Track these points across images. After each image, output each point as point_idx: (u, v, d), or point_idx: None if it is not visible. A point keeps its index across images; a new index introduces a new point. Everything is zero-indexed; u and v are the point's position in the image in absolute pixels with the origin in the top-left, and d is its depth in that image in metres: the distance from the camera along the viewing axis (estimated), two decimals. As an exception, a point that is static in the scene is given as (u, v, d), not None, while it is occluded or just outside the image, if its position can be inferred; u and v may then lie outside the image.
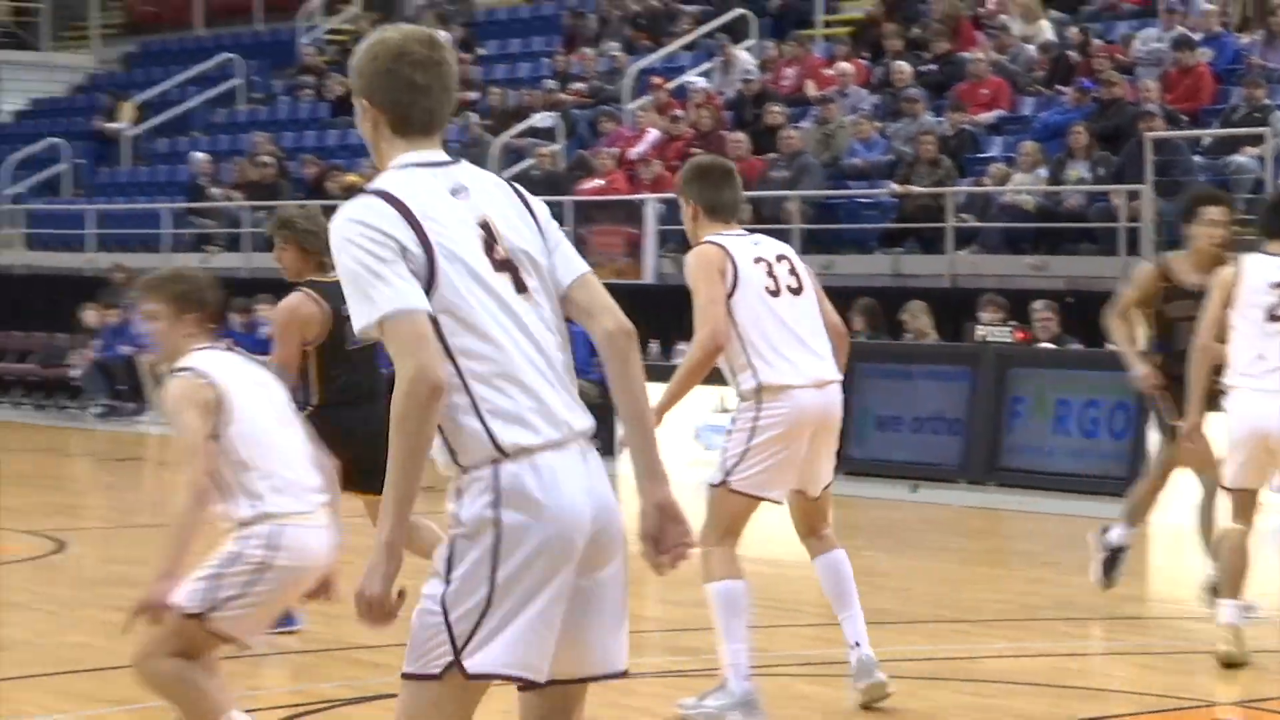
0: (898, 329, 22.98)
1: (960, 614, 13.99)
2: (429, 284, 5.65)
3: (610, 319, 5.90)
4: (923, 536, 18.65)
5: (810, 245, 24.22)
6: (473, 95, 32.52)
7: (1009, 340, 22.39)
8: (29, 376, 32.22)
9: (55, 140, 36.79)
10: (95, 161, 36.93)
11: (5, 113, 40.90)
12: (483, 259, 5.71)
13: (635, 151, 28.71)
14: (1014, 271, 23.77)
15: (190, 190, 33.01)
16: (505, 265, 5.75)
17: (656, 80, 30.14)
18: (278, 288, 13.57)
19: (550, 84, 31.92)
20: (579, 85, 31.68)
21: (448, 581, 5.67)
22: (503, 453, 5.64)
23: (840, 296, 23.28)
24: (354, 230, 5.67)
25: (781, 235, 26.03)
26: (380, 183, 5.76)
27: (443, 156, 5.83)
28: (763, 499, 9.94)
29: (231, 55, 37.59)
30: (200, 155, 33.70)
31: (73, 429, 29.57)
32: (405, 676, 5.78)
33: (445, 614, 5.63)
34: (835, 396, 10.45)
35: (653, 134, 28.86)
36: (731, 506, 9.80)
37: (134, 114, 36.99)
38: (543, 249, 5.90)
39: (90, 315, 30.21)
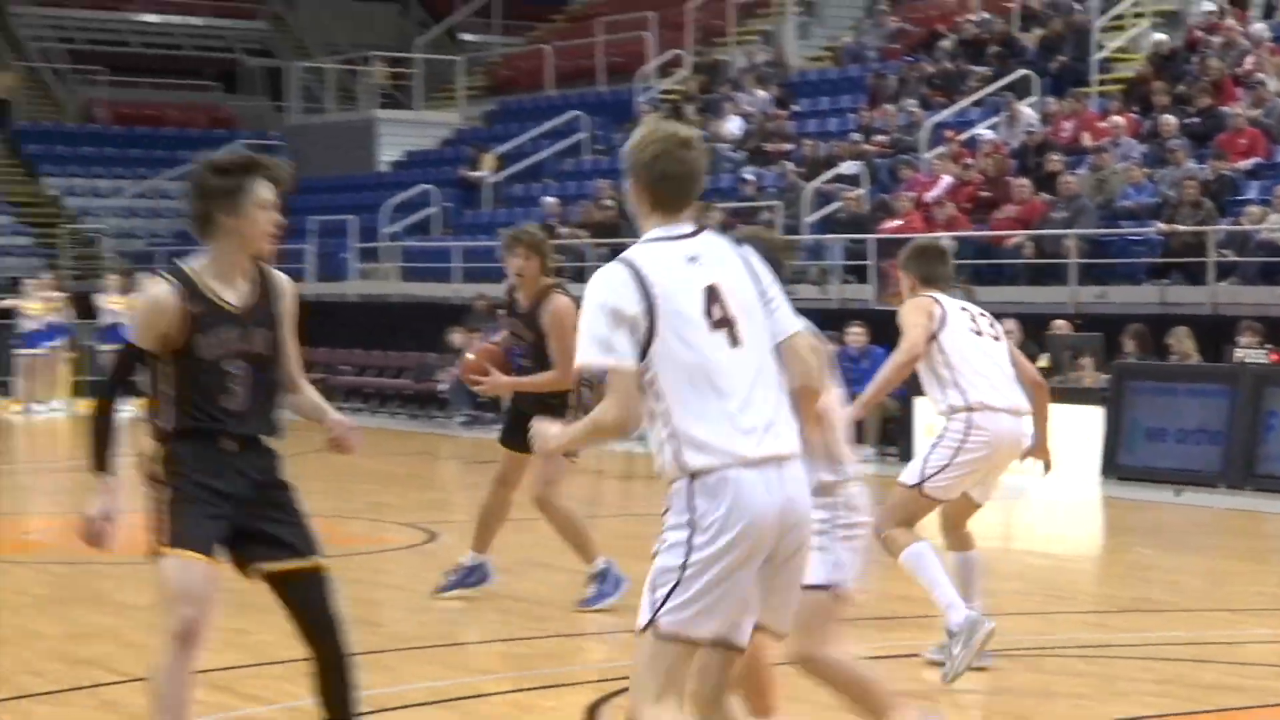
0: (1164, 351, 22.83)
1: (1223, 604, 13.89)
2: (649, 336, 6.41)
3: (798, 378, 6.69)
4: (1187, 536, 18.66)
5: (1086, 278, 24.76)
6: (788, 146, 32.66)
7: (1265, 361, 22.25)
8: (404, 390, 32.64)
9: (426, 187, 37.27)
10: (461, 205, 37.35)
11: (384, 163, 41.46)
12: (701, 318, 6.36)
13: (930, 195, 28.44)
14: (1269, 300, 23.53)
15: (542, 229, 32.98)
16: (723, 323, 6.42)
17: (949, 133, 30.18)
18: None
19: (856, 136, 31.73)
20: (881, 137, 31.46)
21: (657, 557, 6.45)
22: (691, 474, 6.37)
23: (1113, 323, 23.14)
24: (600, 287, 6.47)
25: (1060, 270, 26.51)
26: (630, 251, 6.56)
27: (685, 229, 6.55)
28: (944, 503, 10.07)
29: (578, 112, 37.82)
30: (550, 199, 34.18)
31: (441, 436, 29.81)
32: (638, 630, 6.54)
33: (652, 583, 6.39)
34: (1027, 427, 10.74)
35: (946, 180, 28.68)
36: (917, 507, 9.91)
37: (494, 164, 37.32)
38: (764, 309, 6.58)
39: (456, 337, 29.97)
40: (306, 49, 48.12)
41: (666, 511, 6.51)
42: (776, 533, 6.41)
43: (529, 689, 10.88)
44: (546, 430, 7.19)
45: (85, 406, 30.28)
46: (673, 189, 6.49)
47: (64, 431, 30.05)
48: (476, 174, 37.09)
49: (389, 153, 41.27)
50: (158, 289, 7.39)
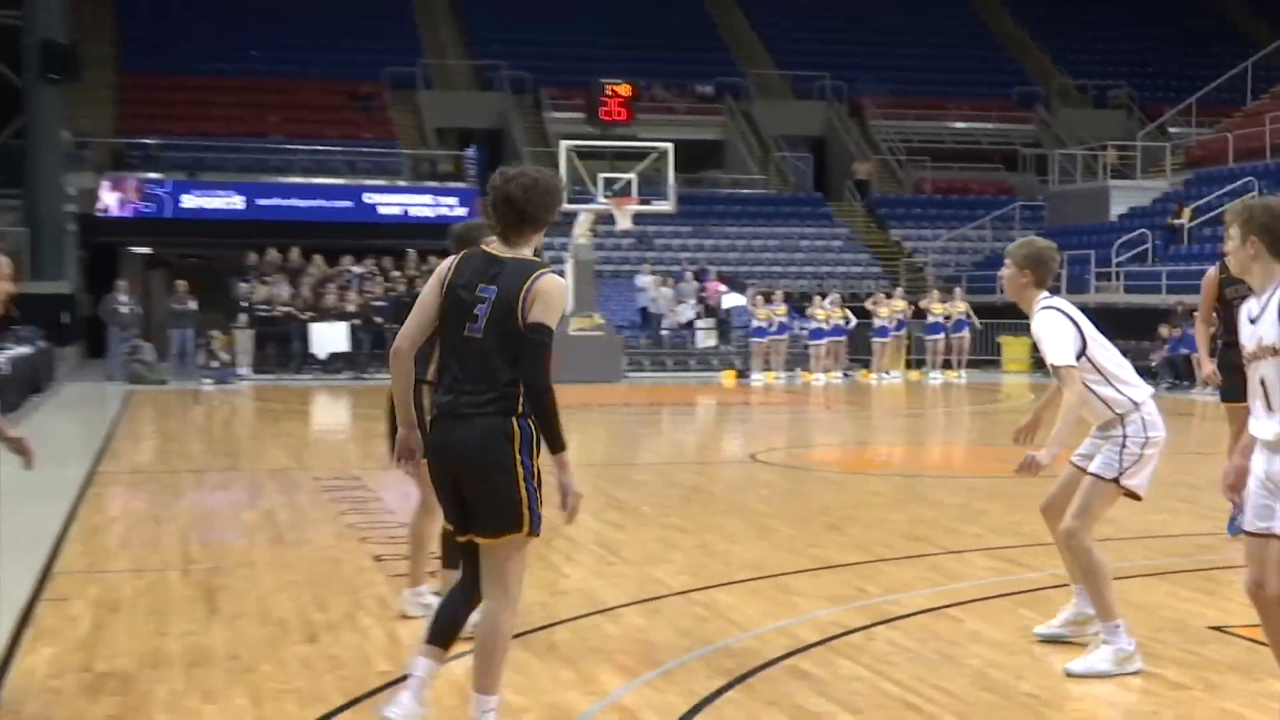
0: None
1: None
2: (1081, 350, 7.40)
3: None
4: None
5: None
6: None
7: None
8: None
9: (1144, 230, 36.55)
10: (1167, 242, 36.22)
11: (1114, 215, 40.35)
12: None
13: None
14: None
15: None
16: None
17: None
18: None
19: None
20: None
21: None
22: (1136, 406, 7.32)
23: None
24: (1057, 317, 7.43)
25: None
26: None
27: None
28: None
29: (1251, 178, 35.50)
30: None
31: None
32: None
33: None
34: None
35: None
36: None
37: (1190, 215, 36.02)
38: None
39: (1163, 330, 30.57)
40: (1063, 141, 47.90)
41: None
42: None
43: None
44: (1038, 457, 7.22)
45: (914, 375, 33.66)
46: None
47: (896, 393, 31.23)
48: (1178, 221, 36.79)
49: (1117, 208, 40.88)
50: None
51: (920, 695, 6.93)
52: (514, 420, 5.67)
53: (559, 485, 5.73)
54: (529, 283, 5.73)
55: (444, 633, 6.02)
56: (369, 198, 40.06)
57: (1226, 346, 10.60)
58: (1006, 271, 7.72)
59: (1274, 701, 6.68)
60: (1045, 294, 7.62)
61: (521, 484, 5.66)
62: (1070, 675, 7.14)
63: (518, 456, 5.66)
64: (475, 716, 5.86)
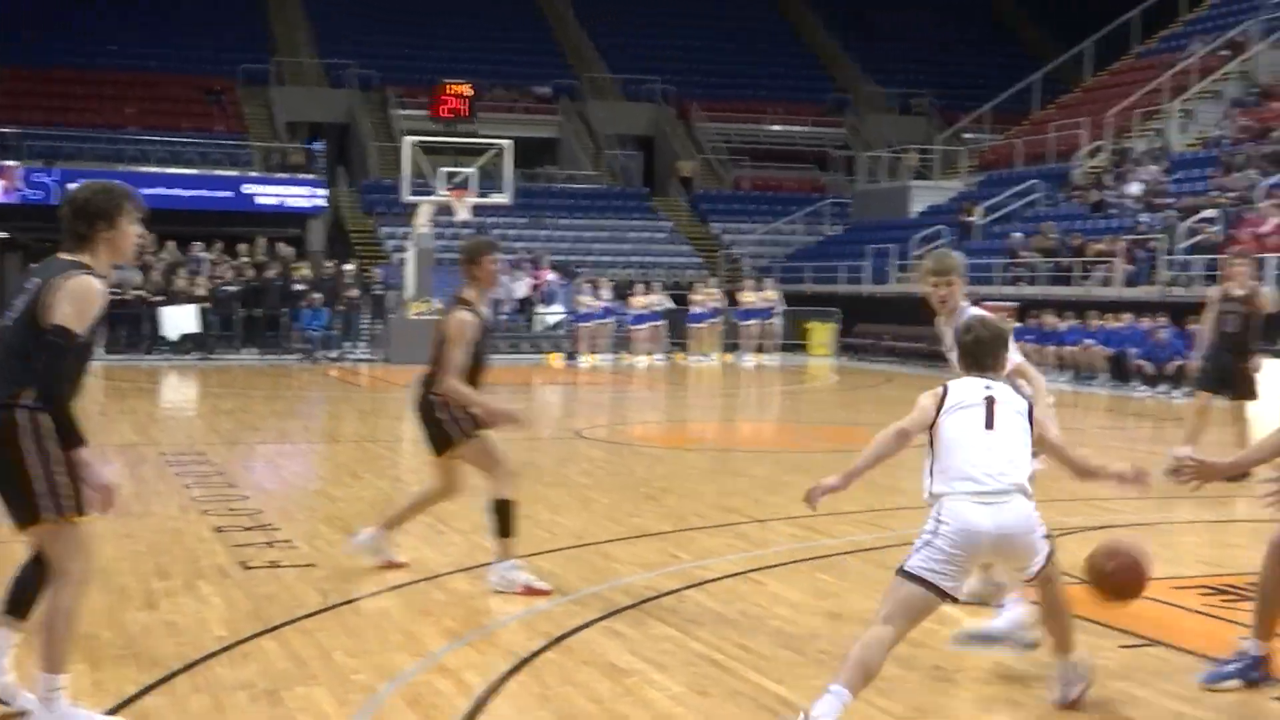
0: None
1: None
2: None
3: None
4: None
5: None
6: (1169, 200, 31.53)
7: None
8: (920, 349, 30.91)
9: (939, 226, 36.60)
10: (960, 238, 35.73)
11: (914, 213, 40.49)
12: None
13: (1261, 230, 27.25)
14: None
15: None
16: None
17: (1276, 191, 28.77)
18: None
19: (1213, 194, 30.56)
20: (1230, 194, 30.00)
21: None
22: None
23: None
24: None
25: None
26: None
27: None
28: None
29: (1035, 181, 36.73)
30: (1017, 235, 33.07)
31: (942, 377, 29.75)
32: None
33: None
34: None
35: (1274, 220, 27.45)
36: None
37: (980, 213, 36.36)
38: None
39: None
40: (869, 144, 48.39)
41: None
42: None
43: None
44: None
45: (728, 358, 34.02)
46: None
47: (712, 374, 31.07)
48: (970, 218, 37.12)
49: (918, 206, 41.37)
50: None
51: (724, 653, 6.98)
52: (17, 412, 5.26)
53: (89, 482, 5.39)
54: (55, 282, 5.34)
55: (19, 603, 5.72)
56: (220, 188, 39.33)
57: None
58: (951, 288, 7.39)
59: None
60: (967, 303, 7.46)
61: (29, 473, 5.27)
62: (960, 641, 6.85)
63: (25, 446, 5.26)
64: (40, 694, 5.51)
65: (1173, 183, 33.68)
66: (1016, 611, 6.68)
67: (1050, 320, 28.83)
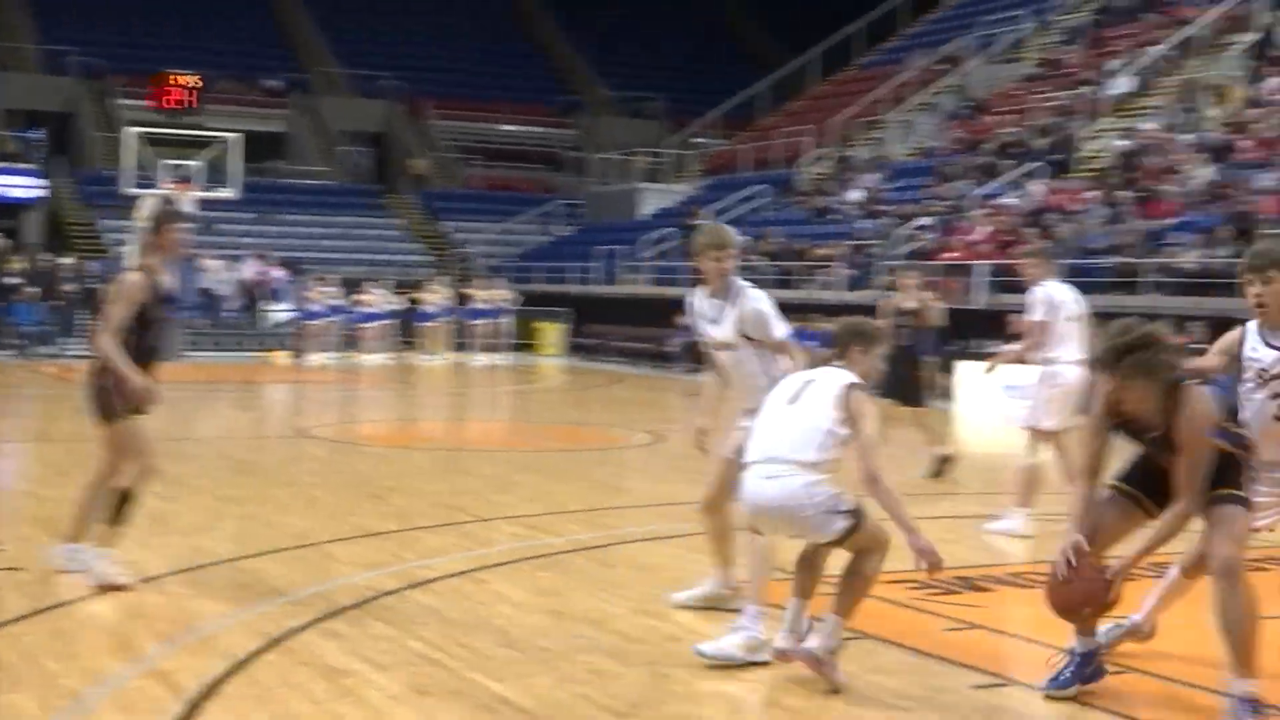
0: None
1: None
2: None
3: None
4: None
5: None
6: (889, 207, 32.25)
7: None
8: (648, 350, 32.24)
9: (669, 229, 37.01)
10: (688, 240, 38.05)
11: (644, 215, 40.82)
12: None
13: (971, 238, 28.48)
14: (1191, 307, 22.03)
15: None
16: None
17: (986, 201, 29.92)
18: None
19: (928, 202, 31.32)
20: (944, 202, 30.99)
21: None
22: None
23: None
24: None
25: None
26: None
27: None
28: None
29: (762, 185, 37.62)
30: (742, 238, 34.92)
31: (669, 378, 28.65)
32: None
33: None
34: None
35: (983, 230, 28.45)
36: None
37: (708, 217, 35.79)
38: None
39: (680, 319, 32.78)
40: (601, 145, 48.43)
41: None
42: None
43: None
44: None
45: (455, 358, 33.78)
46: None
47: (442, 373, 30.71)
48: (697, 222, 34.92)
49: (648, 208, 41.86)
50: None
51: (444, 652, 6.93)
52: None
53: None
54: None
55: None
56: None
57: None
58: (730, 261, 7.33)
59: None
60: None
61: None
62: (702, 656, 6.75)
63: None
64: None
65: (892, 191, 34.37)
66: (747, 634, 6.71)
67: (775, 322, 29.23)
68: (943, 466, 13.77)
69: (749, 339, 7.28)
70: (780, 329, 7.20)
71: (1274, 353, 6.31)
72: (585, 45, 56.02)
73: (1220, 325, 20.55)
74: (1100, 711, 6.23)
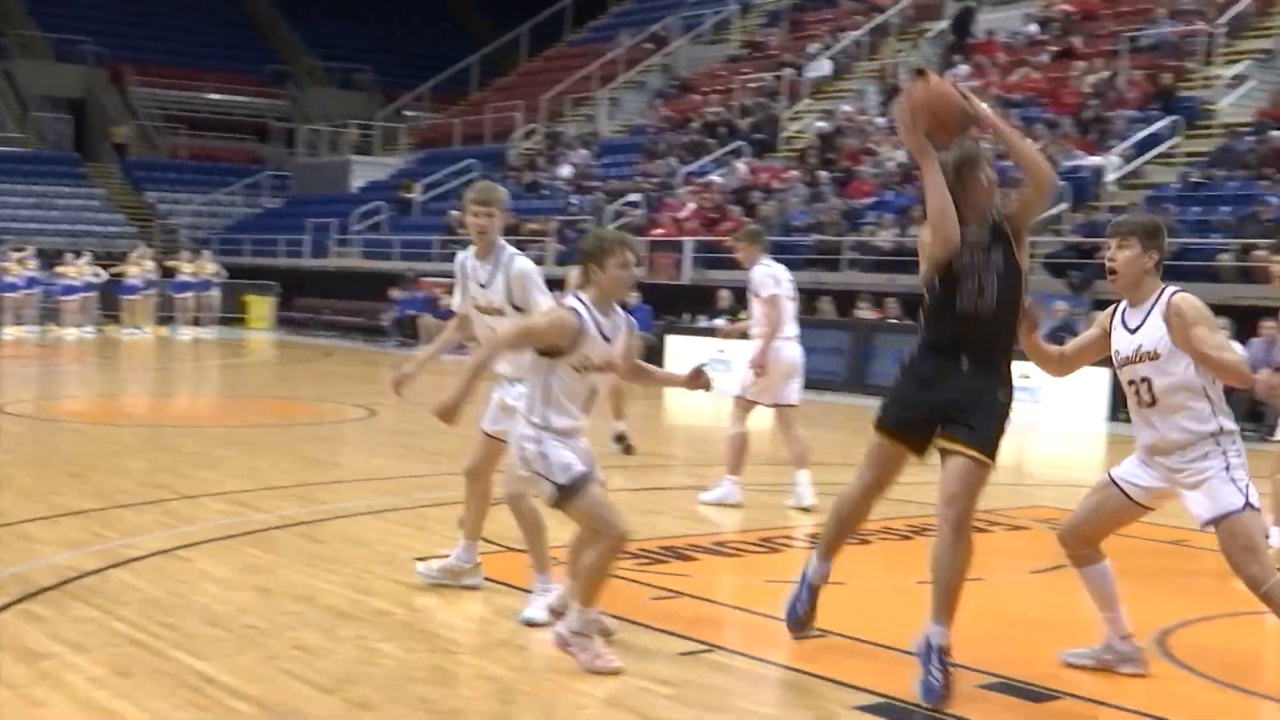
0: (814, 310, 22.25)
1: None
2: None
3: None
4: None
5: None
6: (598, 183, 32.79)
7: (871, 318, 22.46)
8: (360, 324, 32.81)
9: (380, 202, 37.07)
10: (400, 214, 36.70)
11: (355, 188, 40.67)
12: None
13: (681, 214, 29.13)
14: (882, 283, 23.34)
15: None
16: None
17: (693, 178, 30.70)
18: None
19: (638, 179, 32.03)
20: (653, 179, 31.82)
21: None
22: None
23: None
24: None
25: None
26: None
27: None
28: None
29: (473, 160, 37.19)
30: (455, 213, 32.10)
31: (380, 352, 28.97)
32: None
33: None
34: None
35: (690, 206, 29.22)
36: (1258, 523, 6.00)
37: (419, 190, 36.95)
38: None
39: (393, 292, 31.29)
40: (310, 117, 48.14)
41: None
42: None
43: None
44: None
45: (162, 331, 32.90)
46: None
47: (146, 348, 30.19)
48: (409, 195, 37.60)
49: (358, 181, 41.61)
50: None
51: (147, 632, 6.75)
52: None
53: None
54: None
55: None
56: None
57: None
58: (492, 219, 7.22)
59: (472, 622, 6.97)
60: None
61: None
62: (530, 624, 6.86)
63: None
64: None
65: (601, 167, 34.88)
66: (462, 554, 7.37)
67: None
68: (624, 442, 13.57)
69: (516, 308, 7.16)
70: (544, 299, 7.09)
71: (1129, 337, 6.19)
72: (295, 14, 55.04)
73: (912, 301, 20.98)
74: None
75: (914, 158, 6.15)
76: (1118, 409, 17.90)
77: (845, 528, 6.67)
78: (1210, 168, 23.44)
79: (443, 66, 46.77)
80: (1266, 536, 6.86)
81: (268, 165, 46.75)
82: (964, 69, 30.00)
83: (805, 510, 10.65)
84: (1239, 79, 26.07)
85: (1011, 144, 6.16)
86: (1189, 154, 24.51)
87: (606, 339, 6.24)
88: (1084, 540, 6.35)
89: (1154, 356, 6.06)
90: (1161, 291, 6.14)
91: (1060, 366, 6.52)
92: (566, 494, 6.17)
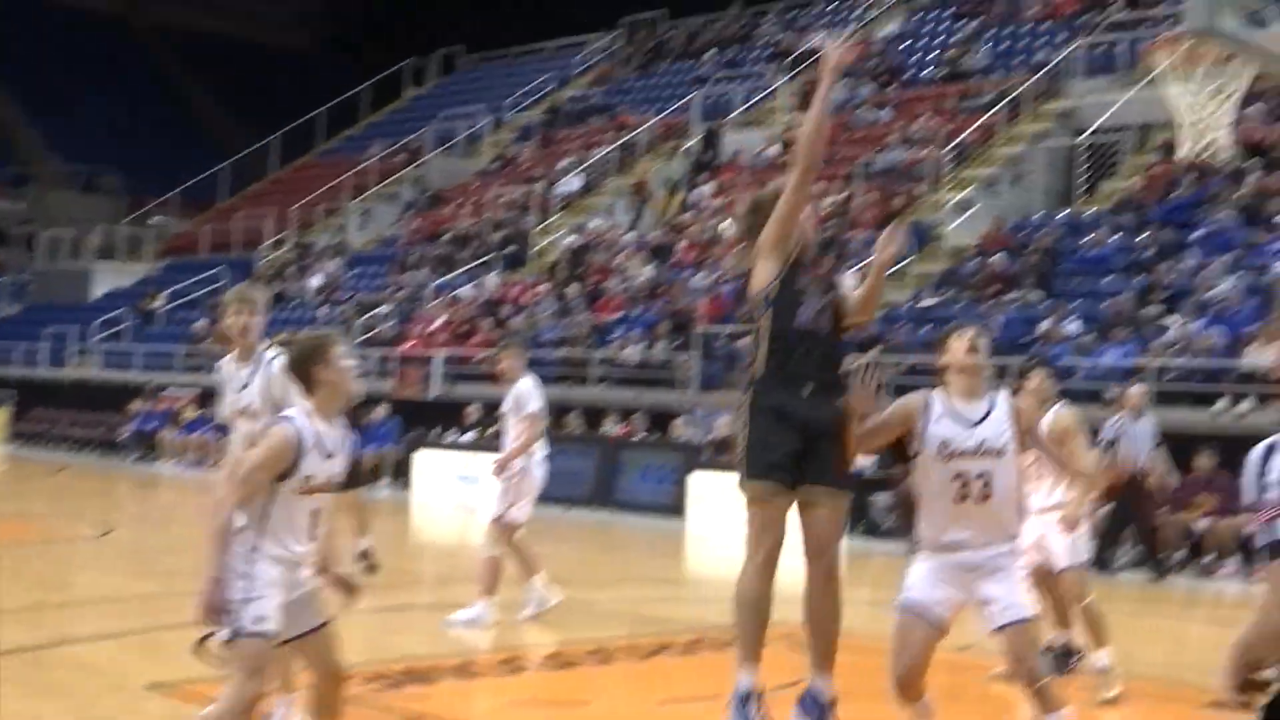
0: (561, 425, 21.61)
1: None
2: None
3: None
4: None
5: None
6: (345, 296, 32.53)
7: (618, 434, 22.33)
8: (98, 438, 31.65)
9: (121, 311, 36.19)
10: (142, 325, 35.77)
11: (97, 295, 39.52)
12: None
13: (430, 329, 28.90)
14: (631, 399, 23.31)
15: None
16: None
17: (444, 291, 30.40)
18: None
19: (388, 290, 31.82)
20: (402, 291, 31.50)
21: None
22: None
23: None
24: None
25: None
26: None
27: None
28: None
29: (221, 268, 36.29)
30: (200, 323, 33.05)
31: (118, 470, 28.65)
32: None
33: None
34: None
35: (442, 319, 29.08)
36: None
37: (164, 300, 36.27)
38: None
39: (134, 405, 30.70)
40: (52, 220, 46.33)
41: None
42: None
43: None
44: None
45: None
46: None
47: None
48: (153, 305, 36.85)
49: (100, 288, 40.34)
50: None
51: None
52: None
53: None
54: None
55: None
56: None
57: None
58: (253, 317, 7.05)
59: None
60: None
61: None
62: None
63: None
64: None
65: (352, 278, 34.46)
66: None
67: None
68: (369, 559, 13.32)
69: (277, 409, 6.70)
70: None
71: (962, 429, 5.91)
72: (37, 112, 53.46)
73: (659, 417, 20.92)
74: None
75: (818, 84, 6.23)
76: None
77: (762, 621, 6.06)
78: (940, 288, 24.31)
79: (192, 173, 45.86)
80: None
81: (6, 271, 45.29)
82: (708, 188, 30.62)
83: (547, 610, 10.62)
84: (964, 204, 27.10)
85: (805, 123, 6.33)
86: (920, 274, 25.33)
87: (330, 454, 5.46)
88: (918, 684, 5.89)
89: (999, 453, 5.87)
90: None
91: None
92: (242, 640, 5.36)
